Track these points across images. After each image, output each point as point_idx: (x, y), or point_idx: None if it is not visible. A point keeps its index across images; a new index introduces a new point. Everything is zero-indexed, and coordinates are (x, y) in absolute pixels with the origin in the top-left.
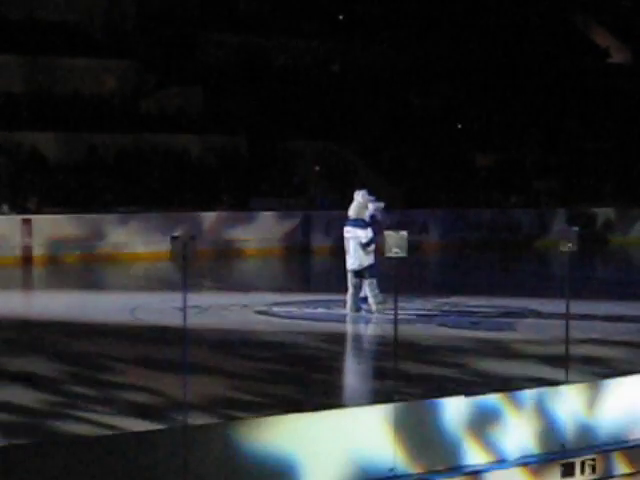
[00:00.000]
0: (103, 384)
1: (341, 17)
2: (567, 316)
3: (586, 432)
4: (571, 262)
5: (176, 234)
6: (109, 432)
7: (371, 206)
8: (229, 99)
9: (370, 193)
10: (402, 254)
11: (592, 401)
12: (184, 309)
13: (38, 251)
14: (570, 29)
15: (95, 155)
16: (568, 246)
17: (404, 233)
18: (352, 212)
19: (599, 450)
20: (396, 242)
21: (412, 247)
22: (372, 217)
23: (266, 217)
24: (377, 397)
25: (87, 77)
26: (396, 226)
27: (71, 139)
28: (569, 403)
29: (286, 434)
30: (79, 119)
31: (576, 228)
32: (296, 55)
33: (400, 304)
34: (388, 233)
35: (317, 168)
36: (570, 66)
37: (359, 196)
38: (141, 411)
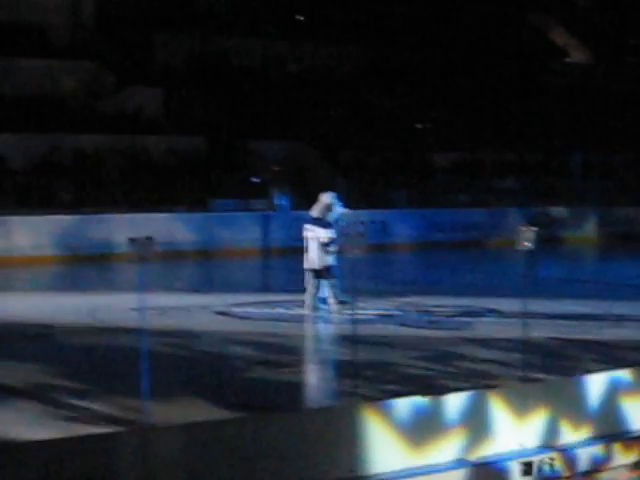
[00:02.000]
0: (59, 385)
1: (300, 17)
2: (525, 315)
3: (547, 430)
4: (529, 261)
5: (134, 236)
6: (65, 435)
7: (337, 210)
8: (188, 100)
9: (337, 198)
10: (360, 254)
11: (551, 399)
12: (142, 310)
13: None
14: (529, 28)
15: (54, 156)
16: (526, 245)
17: (362, 233)
18: (315, 211)
19: (560, 449)
20: (355, 242)
21: (371, 247)
22: (335, 221)
23: (226, 218)
24: (336, 397)
25: (46, 78)
26: (355, 226)
27: (30, 140)
28: (528, 401)
29: (245, 436)
30: (38, 120)
31: (534, 227)
32: (255, 55)
33: (360, 304)
34: (347, 233)
35: (276, 168)
36: (529, 65)
37: (325, 197)
38: (99, 413)
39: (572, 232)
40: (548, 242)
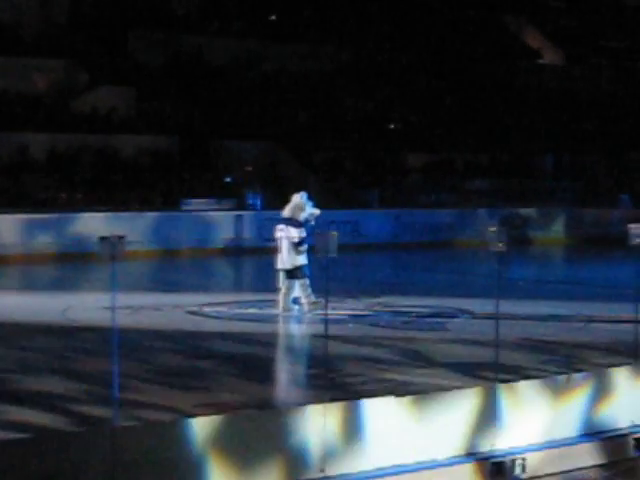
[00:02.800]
0: (28, 383)
1: (273, 17)
2: (497, 316)
3: (516, 432)
4: (500, 262)
5: (105, 235)
6: (33, 432)
7: (308, 210)
8: (161, 99)
9: (309, 198)
10: (332, 254)
11: (521, 401)
12: (113, 309)
13: None
14: (502, 30)
15: (26, 155)
16: (498, 246)
17: (334, 233)
18: (287, 211)
19: (529, 450)
20: (326, 242)
21: (343, 247)
22: (306, 221)
23: (198, 217)
24: (308, 398)
25: (18, 76)
26: (328, 226)
27: (1, 138)
28: (498, 402)
29: (214, 435)
30: (9, 118)
31: (505, 228)
32: (228, 55)
33: (332, 304)
34: (318, 233)
35: (249, 168)
36: (502, 67)
37: (297, 197)
38: (68, 411)
39: (541, 233)
40: (518, 243)
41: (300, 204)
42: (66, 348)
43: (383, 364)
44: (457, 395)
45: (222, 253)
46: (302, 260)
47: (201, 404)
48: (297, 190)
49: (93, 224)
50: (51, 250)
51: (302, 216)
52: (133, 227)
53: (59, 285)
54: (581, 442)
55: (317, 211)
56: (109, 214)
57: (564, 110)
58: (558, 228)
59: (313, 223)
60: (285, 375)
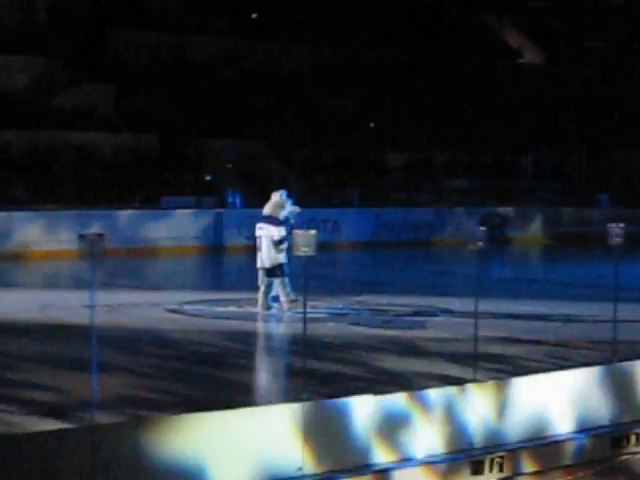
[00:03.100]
0: (7, 382)
1: (254, 15)
2: (476, 315)
3: (494, 430)
4: (480, 261)
5: (84, 232)
6: (13, 431)
7: (288, 208)
8: (141, 97)
9: (289, 195)
10: (311, 253)
11: (500, 400)
12: (92, 307)
13: None
14: (482, 29)
15: (6, 152)
16: (477, 245)
17: (313, 232)
18: (267, 209)
19: (507, 448)
20: (305, 241)
21: (323, 246)
22: (286, 219)
23: (178, 215)
24: (286, 396)
25: None
26: (307, 224)
27: None
28: (477, 402)
29: (194, 433)
30: None
31: (484, 227)
32: (208, 53)
33: (311, 303)
34: (296, 232)
35: (229, 166)
36: (482, 66)
37: (277, 195)
38: (48, 410)
39: (518, 232)
40: (497, 242)
41: (280, 202)
42: (44, 346)
43: (362, 363)
44: (434, 394)
45: (202, 251)
46: (282, 258)
47: (179, 402)
48: (277, 188)
49: (71, 221)
50: (31, 247)
51: (282, 214)
52: (113, 225)
53: (38, 283)
54: (565, 440)
55: (297, 209)
56: (88, 211)
57: (544, 109)
58: (536, 227)
59: (293, 221)
60: (263, 373)
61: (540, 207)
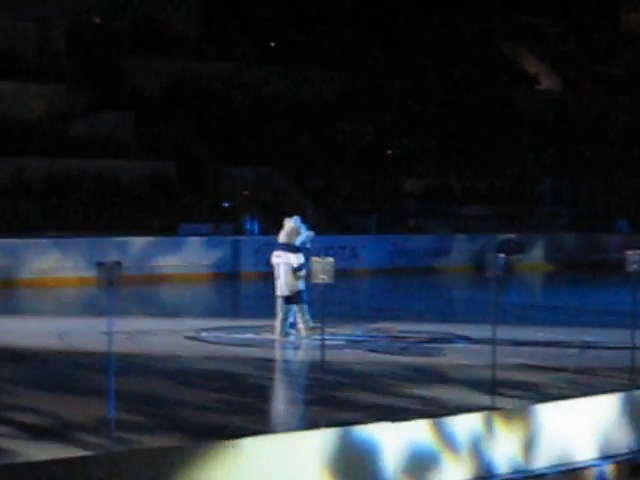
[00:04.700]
0: (23, 410)
1: (272, 43)
2: (494, 342)
3: (517, 458)
4: (497, 288)
5: (102, 260)
6: (27, 460)
7: (304, 233)
8: (159, 124)
9: (302, 221)
10: (328, 280)
11: (523, 427)
12: (110, 334)
13: None
14: (499, 56)
15: (22, 179)
16: (494, 272)
17: (330, 259)
18: (283, 237)
19: (531, 475)
20: (322, 268)
21: (340, 273)
22: (303, 244)
23: (195, 242)
24: (305, 424)
25: (15, 101)
26: (325, 252)
27: None
28: (500, 429)
29: (212, 461)
30: (6, 143)
31: (502, 255)
32: (226, 80)
33: (329, 330)
34: (315, 259)
35: (246, 193)
36: (499, 93)
37: (291, 222)
38: (63, 438)
39: (535, 259)
40: (514, 269)
41: (295, 229)
42: (62, 373)
43: (380, 390)
44: (455, 421)
45: (219, 278)
46: (300, 285)
47: (197, 430)
48: (290, 215)
49: (90, 249)
50: (47, 275)
51: (299, 240)
52: (131, 252)
53: (56, 310)
54: (586, 467)
55: (312, 233)
56: (106, 239)
57: (561, 136)
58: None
59: (309, 245)
60: (281, 401)
61: (557, 233)
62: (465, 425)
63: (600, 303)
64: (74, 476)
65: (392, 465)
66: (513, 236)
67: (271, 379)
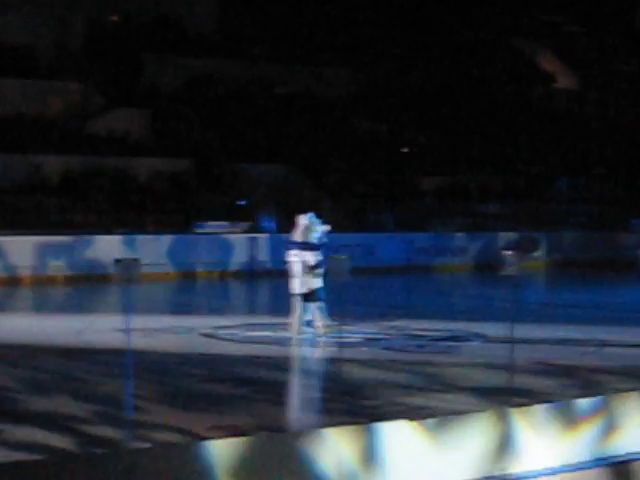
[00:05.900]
0: (40, 406)
1: (289, 40)
2: (512, 340)
3: (537, 455)
4: (515, 285)
5: (120, 257)
6: (45, 455)
7: (319, 228)
8: (176, 122)
9: (317, 217)
10: (345, 278)
11: (541, 424)
12: (127, 331)
13: None
14: (516, 54)
15: (40, 176)
16: (511, 270)
17: (347, 257)
18: (299, 235)
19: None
20: (339, 266)
21: (357, 271)
22: (320, 240)
23: (212, 240)
24: (322, 421)
25: (33, 99)
26: (341, 250)
27: (15, 160)
28: (512, 426)
29: (230, 458)
30: (24, 140)
31: (518, 252)
32: (243, 78)
33: (346, 327)
34: (333, 257)
35: (263, 191)
36: (516, 91)
37: (305, 219)
38: (81, 434)
39: (550, 257)
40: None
41: (309, 226)
42: (80, 370)
43: (397, 388)
44: (471, 419)
45: (236, 276)
46: (317, 283)
47: (215, 427)
48: (304, 212)
49: (106, 246)
50: (65, 272)
51: (314, 237)
52: (148, 250)
53: (74, 307)
54: (594, 467)
55: (327, 227)
56: (123, 236)
57: (578, 134)
58: (567, 251)
59: (326, 240)
60: (299, 398)
61: (572, 231)
62: (480, 422)
63: (615, 301)
64: (92, 473)
65: (408, 463)
66: (528, 234)
67: (288, 377)
